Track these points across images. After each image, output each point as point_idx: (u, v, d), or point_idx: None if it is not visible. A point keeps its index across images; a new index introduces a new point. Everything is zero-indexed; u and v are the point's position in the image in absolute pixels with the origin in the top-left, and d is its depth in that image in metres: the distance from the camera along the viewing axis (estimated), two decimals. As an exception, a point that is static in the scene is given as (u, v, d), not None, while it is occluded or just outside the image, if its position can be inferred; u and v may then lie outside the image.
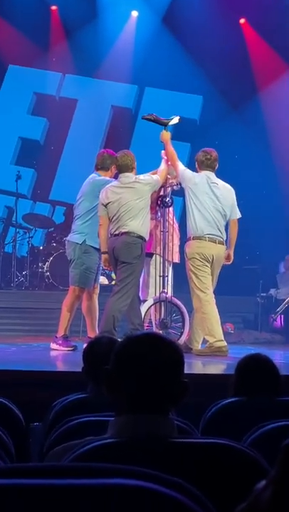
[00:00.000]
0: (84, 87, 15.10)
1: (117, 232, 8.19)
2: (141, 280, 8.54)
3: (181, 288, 9.02)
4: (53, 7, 14.57)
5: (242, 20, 14.84)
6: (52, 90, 15.48)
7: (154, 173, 8.62)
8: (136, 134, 15.13)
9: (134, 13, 14.80)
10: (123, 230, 8.15)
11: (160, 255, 8.66)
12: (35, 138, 15.37)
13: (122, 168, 8.37)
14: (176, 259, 8.79)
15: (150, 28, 14.58)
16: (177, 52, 14.45)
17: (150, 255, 8.62)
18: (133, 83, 15.31)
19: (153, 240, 8.61)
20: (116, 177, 8.55)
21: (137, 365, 2.11)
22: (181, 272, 8.73)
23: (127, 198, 8.19)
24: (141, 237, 8.19)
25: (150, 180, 8.38)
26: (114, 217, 8.21)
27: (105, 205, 8.28)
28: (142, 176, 8.41)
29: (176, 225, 8.91)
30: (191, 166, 8.88)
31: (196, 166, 8.64)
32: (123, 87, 15.28)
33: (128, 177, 8.31)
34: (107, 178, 8.65)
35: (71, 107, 15.47)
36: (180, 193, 8.83)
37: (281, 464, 1.06)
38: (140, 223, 8.19)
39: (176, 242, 8.78)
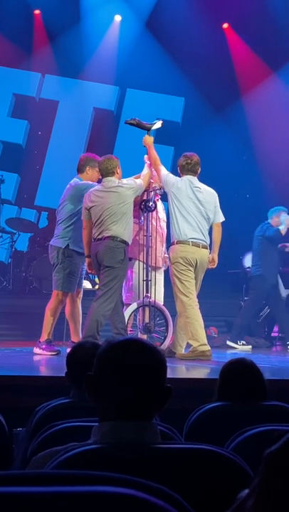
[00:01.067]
0: (65, 89, 15.00)
1: (100, 237, 8.19)
2: (124, 284, 8.54)
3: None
4: (37, 11, 14.55)
5: (225, 25, 14.89)
6: (32, 91, 15.31)
7: (137, 178, 8.62)
8: (119, 136, 15.11)
9: (118, 18, 14.82)
10: (106, 235, 8.14)
11: (140, 260, 8.67)
12: (17, 141, 15.22)
13: (103, 173, 8.38)
14: (160, 264, 8.79)
15: (133, 32, 14.60)
16: (160, 55, 14.48)
17: (131, 259, 8.62)
18: (115, 85, 15.27)
19: (136, 245, 8.61)
20: (100, 181, 8.56)
21: (119, 370, 2.10)
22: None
23: (110, 202, 8.19)
24: (124, 242, 8.19)
25: (133, 184, 8.38)
26: (98, 222, 8.21)
27: (88, 209, 8.28)
28: (124, 180, 8.41)
29: (163, 230, 8.90)
30: (175, 169, 8.89)
31: (178, 170, 8.66)
32: (104, 89, 15.21)
33: (111, 181, 8.31)
34: (90, 182, 8.65)
35: (52, 109, 15.32)
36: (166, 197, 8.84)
37: (263, 473, 1.05)
38: (123, 227, 8.19)
39: (160, 247, 8.78)
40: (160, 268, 8.85)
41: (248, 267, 12.84)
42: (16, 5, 14.03)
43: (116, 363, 2.12)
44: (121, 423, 2.06)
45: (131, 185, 8.36)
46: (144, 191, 8.64)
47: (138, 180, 8.51)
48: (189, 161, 8.57)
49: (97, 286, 8.77)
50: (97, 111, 15.50)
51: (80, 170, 8.87)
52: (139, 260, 8.71)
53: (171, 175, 8.60)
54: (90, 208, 8.26)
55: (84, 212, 8.34)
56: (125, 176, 8.58)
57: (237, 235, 12.54)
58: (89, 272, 8.69)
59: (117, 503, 1.43)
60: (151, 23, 14.54)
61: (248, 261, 13.46)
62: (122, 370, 2.10)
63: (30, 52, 14.70)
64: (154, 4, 14.40)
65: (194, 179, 8.54)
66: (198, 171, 8.61)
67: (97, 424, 2.14)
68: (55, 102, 15.34)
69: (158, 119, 9.16)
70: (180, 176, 8.59)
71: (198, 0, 14.17)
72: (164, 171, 8.62)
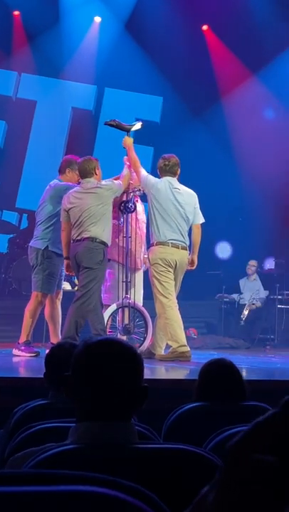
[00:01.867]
0: (42, 88, 14.89)
1: (79, 238, 8.18)
2: (103, 285, 8.53)
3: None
4: (16, 12, 14.52)
5: (205, 27, 14.92)
6: (8, 91, 15.13)
7: (116, 179, 8.62)
8: (99, 136, 15.06)
9: (97, 19, 14.82)
10: (85, 236, 8.14)
11: (119, 262, 8.68)
12: None
13: (82, 174, 8.39)
14: (139, 265, 8.80)
15: (112, 33, 14.59)
16: (139, 56, 14.48)
17: (109, 260, 8.62)
18: (93, 84, 15.21)
19: (114, 246, 8.60)
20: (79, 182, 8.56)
21: (95, 371, 2.10)
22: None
23: (89, 203, 8.18)
24: (103, 243, 8.19)
25: (112, 185, 8.38)
26: (76, 223, 8.20)
27: (67, 211, 8.27)
28: (103, 182, 8.41)
29: (142, 231, 8.91)
30: (155, 170, 8.89)
31: (158, 172, 8.67)
32: (83, 88, 15.15)
33: (90, 182, 8.31)
34: (69, 183, 8.65)
35: (30, 109, 15.19)
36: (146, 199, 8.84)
37: (224, 466, 1.05)
38: (102, 229, 8.19)
39: (139, 248, 8.79)
40: (139, 269, 8.86)
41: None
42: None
43: (92, 363, 2.12)
44: (98, 423, 2.06)
45: (110, 186, 8.36)
46: (124, 192, 8.64)
47: (117, 182, 8.51)
48: (167, 163, 8.58)
49: (76, 288, 8.77)
50: (76, 111, 15.42)
51: (60, 171, 8.88)
52: (118, 262, 8.71)
53: (151, 176, 8.61)
54: (69, 209, 8.25)
55: (63, 213, 8.33)
56: (105, 176, 8.58)
57: (216, 236, 12.58)
58: (67, 273, 8.68)
59: (94, 502, 1.43)
60: (130, 24, 14.54)
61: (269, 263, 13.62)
62: (98, 370, 2.10)
63: (10, 53, 14.64)
64: (134, 6, 14.40)
65: (174, 180, 8.55)
66: (178, 173, 8.61)
67: (74, 424, 2.14)
68: (33, 101, 15.22)
69: (137, 119, 9.18)
70: (160, 178, 8.60)
71: (177, 2, 14.18)
72: (143, 172, 8.63)
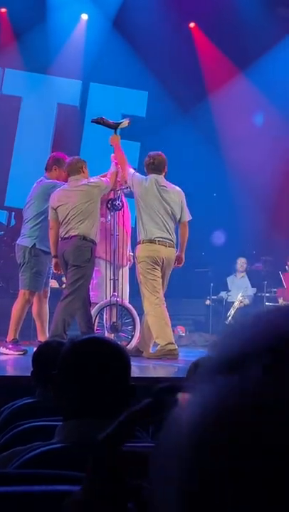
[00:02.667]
0: (28, 84, 14.77)
1: (67, 236, 8.17)
2: (91, 283, 8.52)
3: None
4: (2, 9, 14.47)
5: (192, 25, 14.93)
6: None
7: (104, 176, 8.62)
8: (86, 132, 14.98)
9: (84, 16, 14.79)
10: (73, 233, 8.13)
11: (106, 260, 8.67)
12: None
13: (70, 172, 8.38)
14: (124, 262, 8.80)
15: (99, 30, 14.56)
16: (126, 53, 14.45)
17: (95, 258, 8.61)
18: (78, 79, 15.14)
19: (101, 243, 8.58)
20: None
21: (82, 369, 2.10)
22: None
23: (76, 201, 8.18)
24: (91, 241, 8.18)
25: (99, 182, 8.38)
26: (64, 221, 8.19)
27: (55, 209, 8.26)
28: (91, 179, 8.41)
29: (127, 228, 8.92)
30: (142, 164, 8.89)
31: (144, 170, 8.66)
32: (68, 83, 15.03)
33: (77, 180, 8.30)
34: (56, 181, 8.64)
35: (15, 105, 15.02)
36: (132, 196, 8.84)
37: (90, 462, 1.05)
38: (90, 226, 8.19)
39: (124, 245, 8.79)
40: (125, 266, 8.85)
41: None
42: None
43: (79, 362, 2.11)
44: (85, 422, 2.05)
45: (97, 183, 8.36)
46: (111, 190, 8.64)
47: (105, 179, 8.51)
48: (152, 160, 8.58)
49: (64, 286, 8.75)
50: (62, 106, 15.30)
51: (47, 168, 8.87)
52: (105, 260, 8.69)
53: (138, 174, 8.60)
54: (57, 207, 8.24)
55: (50, 212, 8.32)
56: (92, 173, 8.58)
57: (204, 233, 12.57)
58: (55, 271, 8.66)
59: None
60: (118, 21, 14.52)
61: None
62: (85, 368, 2.09)
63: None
64: (121, 3, 14.38)
65: (160, 178, 8.55)
66: (165, 170, 8.61)
67: (61, 423, 2.14)
68: (18, 97, 15.08)
69: (124, 115, 9.19)
70: (146, 175, 8.59)
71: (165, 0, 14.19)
72: (130, 170, 8.63)
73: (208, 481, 0.61)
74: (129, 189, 8.68)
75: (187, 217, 8.65)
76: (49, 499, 1.43)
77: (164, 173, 8.60)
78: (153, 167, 8.56)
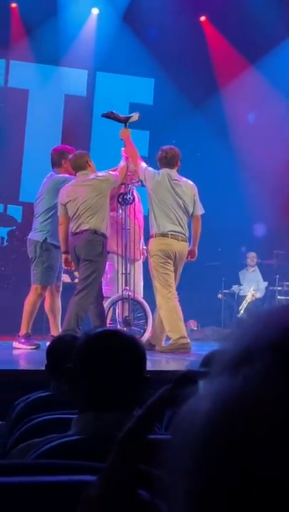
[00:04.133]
0: (33, 76, 14.68)
1: (77, 231, 8.17)
2: (104, 278, 8.53)
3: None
4: (13, 4, 14.48)
5: (202, 18, 14.91)
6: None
7: (113, 171, 8.62)
8: (95, 122, 14.93)
9: (95, 11, 14.79)
10: (84, 228, 8.13)
11: (118, 254, 8.67)
12: None
13: (76, 168, 8.37)
14: (138, 256, 8.81)
15: (110, 24, 14.55)
16: (136, 46, 14.44)
17: (108, 252, 8.62)
18: (85, 69, 15.12)
19: (113, 238, 8.58)
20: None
21: (97, 362, 2.11)
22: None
23: (86, 195, 8.18)
24: (102, 235, 8.18)
25: (108, 176, 8.38)
26: (74, 216, 8.19)
27: (64, 205, 8.27)
28: (100, 173, 8.41)
29: (140, 222, 8.92)
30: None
31: (157, 163, 8.66)
32: (74, 73, 14.99)
33: (85, 175, 8.30)
34: (67, 175, 8.64)
35: (23, 99, 14.96)
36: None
37: (109, 458, 1.05)
38: (100, 220, 8.19)
39: (137, 239, 8.79)
40: (138, 260, 8.86)
41: None
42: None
43: (94, 354, 2.12)
44: (100, 414, 2.06)
45: (106, 177, 8.36)
46: (122, 184, 8.64)
47: (114, 173, 8.50)
48: (164, 155, 8.57)
49: (76, 280, 8.76)
50: (69, 98, 15.20)
51: (55, 164, 8.85)
52: (118, 254, 8.70)
53: (150, 168, 8.60)
54: (66, 203, 8.24)
55: (60, 207, 8.32)
56: (103, 163, 8.57)
57: (215, 227, 12.56)
58: (66, 267, 8.66)
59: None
60: (128, 15, 14.51)
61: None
62: (100, 360, 2.10)
63: (8, 45, 14.55)
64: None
65: (173, 172, 8.54)
66: (178, 164, 8.60)
67: (76, 416, 2.15)
68: (25, 90, 15.03)
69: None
70: (159, 169, 8.59)
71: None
72: (142, 164, 8.62)
73: (216, 474, 0.62)
74: (140, 183, 8.69)
75: (200, 211, 8.64)
76: (66, 489, 1.44)
77: (176, 168, 8.60)
78: (165, 161, 8.56)
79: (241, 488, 0.60)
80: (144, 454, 0.99)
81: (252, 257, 13.58)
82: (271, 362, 0.64)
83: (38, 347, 8.38)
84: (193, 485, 0.64)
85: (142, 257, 8.90)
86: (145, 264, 8.79)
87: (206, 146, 14.23)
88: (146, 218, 8.92)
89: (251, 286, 13.21)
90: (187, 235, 8.53)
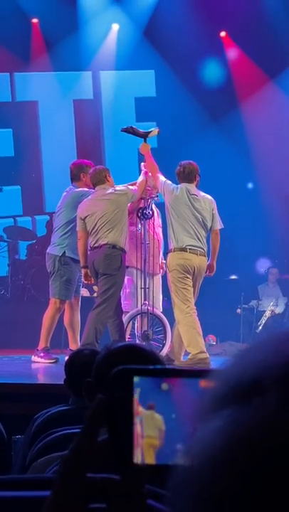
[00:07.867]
0: (39, 86, 14.63)
1: (96, 245, 8.19)
2: (123, 292, 8.54)
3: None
4: (34, 20, 14.56)
5: (222, 33, 14.92)
6: (6, 96, 14.84)
7: (132, 185, 8.64)
8: (105, 124, 14.83)
9: (115, 26, 14.84)
10: (102, 242, 8.15)
11: (136, 268, 8.68)
12: (8, 154, 14.64)
13: (95, 183, 8.39)
14: (157, 270, 8.81)
15: (130, 40, 14.60)
16: (156, 62, 14.51)
17: (128, 267, 8.63)
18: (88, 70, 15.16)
19: (132, 253, 8.59)
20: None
21: None
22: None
23: (104, 210, 8.19)
24: (121, 249, 8.20)
25: (126, 190, 8.40)
26: (93, 230, 8.22)
27: (83, 219, 8.29)
28: (118, 187, 8.43)
29: (159, 236, 8.93)
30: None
31: (176, 178, 8.67)
32: (79, 77, 15.01)
33: (104, 189, 8.32)
34: (86, 189, 8.66)
35: (33, 111, 14.90)
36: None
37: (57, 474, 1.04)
38: (119, 234, 8.20)
39: (156, 253, 8.79)
40: (157, 274, 8.86)
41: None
42: (12, 14, 14.01)
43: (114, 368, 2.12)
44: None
45: (124, 191, 8.38)
46: (141, 199, 8.65)
47: (132, 187, 8.53)
48: (182, 170, 8.56)
49: (95, 294, 8.78)
50: (77, 102, 15.12)
51: (74, 178, 8.88)
52: (137, 268, 8.70)
53: (169, 182, 8.60)
54: (85, 217, 8.27)
55: (79, 222, 8.34)
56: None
57: (235, 242, 12.54)
58: (85, 282, 8.68)
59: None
60: (148, 31, 14.56)
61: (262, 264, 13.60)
62: None
63: (29, 61, 14.62)
64: (152, 13, 14.43)
65: (191, 187, 8.54)
66: (196, 179, 8.59)
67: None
68: (34, 102, 14.96)
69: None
70: (178, 184, 8.59)
71: (196, 9, 14.17)
72: (161, 178, 8.63)
73: (243, 507, 0.61)
74: (159, 198, 8.71)
75: (218, 225, 8.64)
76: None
77: (195, 182, 8.60)
78: (184, 176, 8.56)
79: None
80: (92, 466, 0.96)
81: (275, 272, 13.58)
82: (286, 393, 0.63)
83: (56, 361, 8.40)
84: None
85: (161, 271, 8.90)
86: (164, 278, 8.79)
87: (227, 162, 14.19)
88: (165, 232, 8.92)
89: (270, 302, 13.17)
90: (206, 249, 8.52)
